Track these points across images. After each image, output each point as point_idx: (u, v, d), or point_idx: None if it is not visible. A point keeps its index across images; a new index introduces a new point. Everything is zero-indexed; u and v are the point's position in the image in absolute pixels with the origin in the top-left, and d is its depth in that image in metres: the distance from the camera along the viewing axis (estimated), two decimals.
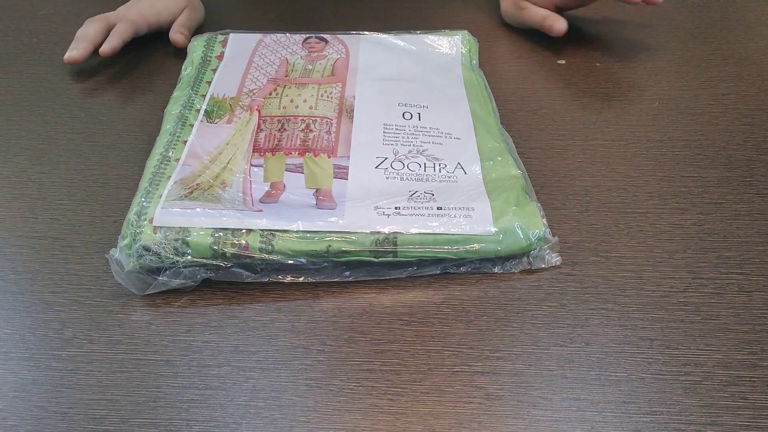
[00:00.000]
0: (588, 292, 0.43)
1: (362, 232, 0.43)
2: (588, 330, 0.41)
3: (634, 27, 0.71)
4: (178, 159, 0.48)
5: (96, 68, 0.65)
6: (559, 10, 0.67)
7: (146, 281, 0.42)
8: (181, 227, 0.42)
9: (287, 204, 0.45)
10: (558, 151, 0.55)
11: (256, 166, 0.48)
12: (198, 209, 0.43)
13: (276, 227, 0.43)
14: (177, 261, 0.42)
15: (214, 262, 0.42)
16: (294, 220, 0.43)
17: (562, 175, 0.52)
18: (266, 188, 0.46)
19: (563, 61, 0.65)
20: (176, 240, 0.42)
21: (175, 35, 0.67)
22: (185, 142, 0.50)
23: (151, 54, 0.67)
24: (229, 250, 0.42)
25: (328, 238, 0.43)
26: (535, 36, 0.68)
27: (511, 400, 0.37)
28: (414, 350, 0.40)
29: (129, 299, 0.43)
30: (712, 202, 0.49)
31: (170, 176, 0.46)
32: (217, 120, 0.52)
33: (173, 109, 0.54)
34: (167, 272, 0.42)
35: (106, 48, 0.63)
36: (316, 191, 0.46)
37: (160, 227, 0.42)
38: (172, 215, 0.43)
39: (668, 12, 0.74)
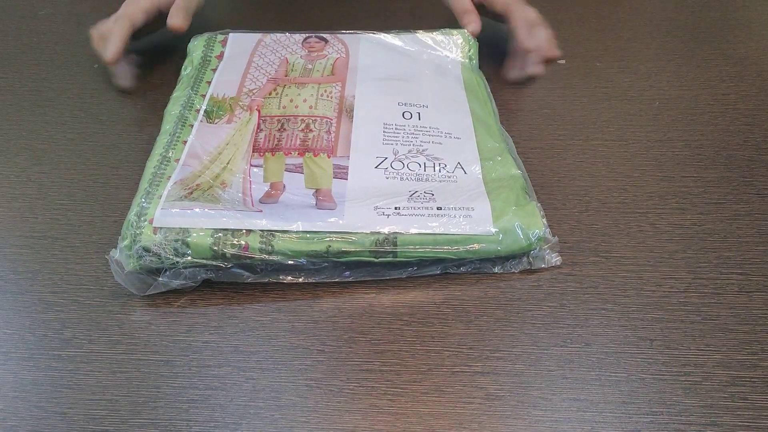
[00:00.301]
0: (588, 292, 0.43)
1: (362, 233, 0.43)
2: (588, 330, 0.41)
3: (634, 27, 0.71)
4: (178, 159, 0.48)
5: (96, 68, 0.65)
6: (482, 9, 0.65)
7: (146, 282, 0.43)
8: (180, 228, 0.42)
9: (287, 204, 0.45)
10: (558, 151, 0.55)
11: (255, 166, 0.48)
12: (198, 210, 0.43)
13: (276, 228, 0.43)
14: (177, 262, 0.42)
15: (214, 263, 0.42)
16: (294, 220, 0.43)
17: (562, 175, 0.52)
18: (266, 188, 0.46)
19: (563, 61, 0.65)
20: (176, 241, 0.42)
21: (172, 20, 0.62)
22: (185, 142, 0.50)
23: (151, 54, 0.67)
24: (229, 250, 0.42)
25: (328, 239, 0.43)
26: None
27: (511, 400, 0.37)
28: (414, 350, 0.40)
29: (129, 299, 0.43)
30: (712, 202, 0.49)
31: (170, 177, 0.46)
32: (216, 120, 0.52)
33: (173, 110, 0.54)
34: (167, 273, 0.42)
35: (110, 57, 0.60)
36: (316, 191, 0.46)
37: (160, 228, 0.42)
38: (171, 216, 0.43)
39: (668, 12, 0.74)
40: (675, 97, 0.60)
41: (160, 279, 0.42)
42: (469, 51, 0.62)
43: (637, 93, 0.61)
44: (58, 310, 0.43)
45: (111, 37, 0.60)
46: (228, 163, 0.48)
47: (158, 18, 0.63)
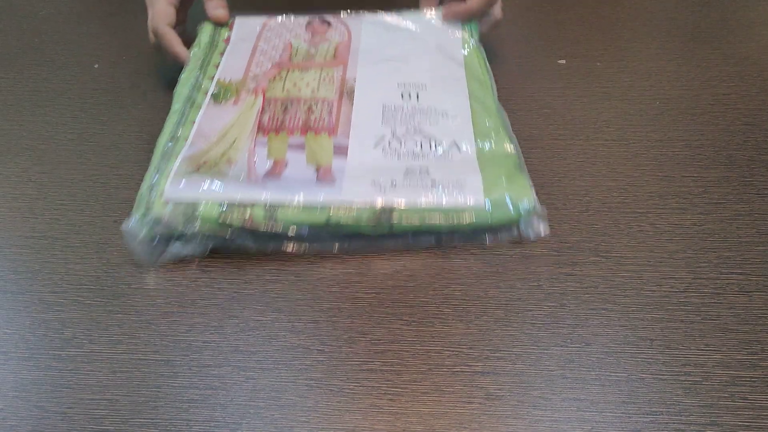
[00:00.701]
0: (588, 292, 0.43)
1: (360, 206, 0.45)
2: (588, 330, 0.41)
3: (634, 27, 0.71)
4: (187, 138, 0.50)
5: (96, 68, 0.65)
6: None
7: (158, 250, 0.44)
8: (189, 201, 0.44)
9: (289, 179, 0.47)
10: (558, 151, 0.55)
11: (260, 144, 0.50)
12: (205, 184, 0.45)
13: (278, 200, 0.45)
14: (186, 232, 0.44)
15: (221, 233, 0.44)
16: (295, 193, 0.45)
17: (562, 175, 0.52)
18: (269, 165, 0.48)
19: (563, 61, 0.65)
20: (185, 212, 0.44)
21: (216, 11, 0.63)
22: (194, 122, 0.52)
23: (151, 53, 0.67)
24: (235, 222, 0.44)
25: (328, 211, 0.44)
26: (535, 36, 0.68)
27: (511, 400, 0.37)
28: (414, 350, 0.40)
29: (129, 298, 0.43)
30: (712, 202, 0.49)
31: (179, 154, 0.49)
32: (223, 101, 0.54)
33: (182, 90, 0.56)
34: (178, 242, 0.44)
35: (184, 60, 0.60)
36: (317, 167, 0.48)
37: (170, 200, 0.44)
38: (181, 189, 0.45)
39: (668, 12, 0.74)
40: (675, 97, 0.60)
41: (171, 248, 0.44)
42: (470, 25, 0.63)
43: (638, 93, 0.61)
44: (59, 310, 0.43)
45: (169, 50, 0.60)
46: (234, 142, 0.50)
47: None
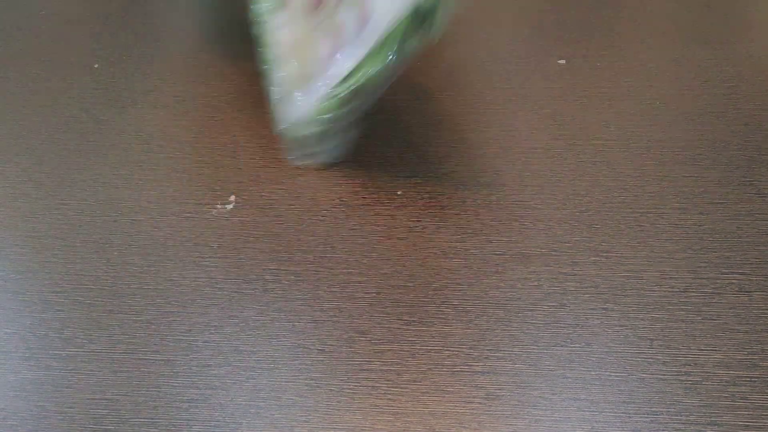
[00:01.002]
0: (588, 292, 0.43)
1: (398, 17, 0.48)
2: (588, 330, 0.41)
3: (634, 28, 0.71)
4: (273, 62, 0.54)
5: (96, 68, 0.65)
6: None
7: (315, 152, 0.52)
8: (301, 116, 0.51)
9: (348, 47, 0.50)
10: (558, 151, 0.55)
11: (319, 32, 0.53)
12: (303, 97, 0.52)
13: (351, 71, 0.50)
14: (321, 135, 0.52)
15: (341, 120, 0.51)
16: (355, 53, 0.50)
17: (563, 175, 0.52)
18: (332, 45, 0.51)
19: (563, 61, 0.65)
20: (307, 124, 0.51)
21: None
22: (271, 43, 0.55)
23: (151, 54, 0.67)
24: (339, 109, 0.50)
25: (382, 44, 0.48)
26: (535, 36, 0.68)
27: (512, 400, 0.37)
28: (414, 350, 0.40)
29: (129, 298, 0.43)
30: (712, 202, 0.49)
31: (274, 81, 0.53)
32: (279, 13, 0.56)
33: (259, 15, 0.57)
34: (325, 142, 0.52)
35: None
36: (359, 14, 0.50)
37: (290, 124, 0.52)
38: (292, 111, 0.52)
39: (668, 12, 0.74)
40: (675, 97, 0.60)
41: (324, 148, 0.53)
42: None
43: (637, 93, 0.61)
44: (59, 310, 0.43)
45: None
46: (302, 46, 0.54)
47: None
